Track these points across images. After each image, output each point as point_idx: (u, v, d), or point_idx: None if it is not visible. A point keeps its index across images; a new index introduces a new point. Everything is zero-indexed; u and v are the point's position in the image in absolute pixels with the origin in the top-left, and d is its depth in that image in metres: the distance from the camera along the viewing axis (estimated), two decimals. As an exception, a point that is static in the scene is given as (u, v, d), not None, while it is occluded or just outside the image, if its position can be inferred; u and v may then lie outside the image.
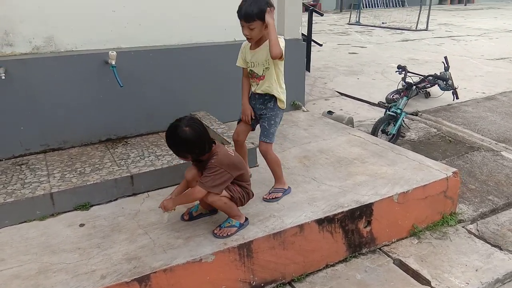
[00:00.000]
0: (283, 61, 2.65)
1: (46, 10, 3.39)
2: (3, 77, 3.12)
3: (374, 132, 4.32)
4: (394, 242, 2.92)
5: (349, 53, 9.87)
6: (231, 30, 4.13)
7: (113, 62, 3.39)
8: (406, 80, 5.12)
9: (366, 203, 2.74)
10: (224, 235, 2.38)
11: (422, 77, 5.43)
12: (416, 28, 13.82)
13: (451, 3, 25.60)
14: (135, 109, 3.76)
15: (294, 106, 4.72)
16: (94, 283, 2.05)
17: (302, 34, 5.65)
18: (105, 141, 3.70)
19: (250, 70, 2.71)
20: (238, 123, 2.89)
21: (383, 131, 4.43)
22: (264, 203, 2.74)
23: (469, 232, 3.04)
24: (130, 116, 3.76)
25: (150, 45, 3.85)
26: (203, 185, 2.25)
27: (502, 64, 8.38)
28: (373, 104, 5.82)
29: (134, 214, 2.66)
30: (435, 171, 3.14)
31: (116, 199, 2.83)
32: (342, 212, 2.65)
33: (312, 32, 6.97)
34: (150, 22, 3.81)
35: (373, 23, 15.92)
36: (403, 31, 13.78)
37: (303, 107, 4.77)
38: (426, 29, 13.61)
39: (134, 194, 2.89)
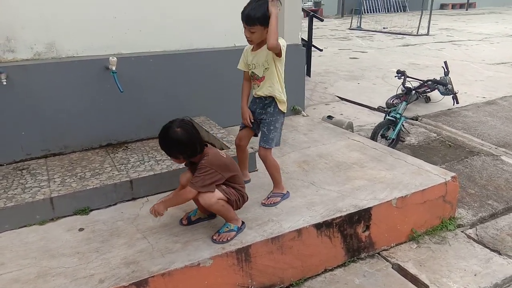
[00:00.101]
0: (283, 62, 2.66)
1: (48, 16, 3.44)
2: (5, 83, 3.15)
3: (373, 137, 4.33)
4: (393, 246, 2.92)
5: (350, 58, 9.90)
6: (231, 35, 4.17)
7: (114, 68, 3.42)
8: (406, 85, 5.13)
9: (364, 208, 2.74)
10: (224, 240, 2.38)
11: (421, 82, 5.44)
12: (417, 33, 13.84)
13: (452, 8, 25.63)
14: (136, 114, 3.79)
15: (294, 111, 4.74)
16: (92, 287, 2.06)
17: (302, 39, 5.69)
18: (105, 146, 3.72)
19: (252, 72, 2.72)
20: (240, 128, 2.91)
21: (383, 136, 4.43)
22: (262, 208, 2.75)
23: (468, 236, 3.04)
24: (130, 121, 3.79)
25: (150, 51, 3.88)
26: (193, 185, 2.27)
27: (503, 69, 8.39)
28: (374, 109, 5.83)
29: (133, 218, 2.68)
30: (434, 175, 3.14)
31: (115, 204, 2.85)
32: (340, 217, 2.66)
33: (313, 37, 7.01)
34: (150, 28, 3.85)
35: (374, 28, 15.96)
36: (404, 36, 13.81)
37: (303, 112, 4.79)
38: (427, 34, 13.63)
39: (134, 199, 2.91)
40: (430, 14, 14.15)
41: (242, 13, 2.51)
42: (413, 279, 2.62)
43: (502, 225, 3.20)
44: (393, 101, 5.54)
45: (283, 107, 2.75)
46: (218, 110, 4.12)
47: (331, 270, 2.69)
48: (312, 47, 7.18)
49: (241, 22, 2.54)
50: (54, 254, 2.33)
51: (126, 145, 3.76)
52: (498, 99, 6.31)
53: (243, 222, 2.51)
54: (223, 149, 3.29)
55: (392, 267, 2.73)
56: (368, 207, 2.75)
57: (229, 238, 2.39)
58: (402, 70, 5.22)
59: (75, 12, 3.52)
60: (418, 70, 8.04)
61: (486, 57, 9.63)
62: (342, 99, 6.33)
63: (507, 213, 3.36)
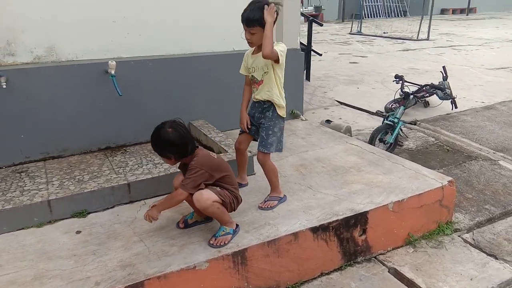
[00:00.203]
0: (282, 67, 2.68)
1: (48, 20, 3.46)
2: (4, 86, 3.18)
3: (371, 141, 4.34)
4: (390, 250, 2.93)
5: (350, 62, 9.93)
6: (230, 39, 4.19)
7: (113, 72, 3.45)
8: (403, 90, 5.15)
9: (361, 212, 2.75)
10: (221, 244, 2.39)
11: (419, 86, 5.46)
12: (417, 37, 13.87)
13: (453, 13, 25.70)
14: (135, 118, 3.81)
15: (293, 115, 4.76)
16: (88, 289, 2.07)
17: (302, 44, 5.72)
18: (104, 149, 3.74)
19: (252, 76, 2.74)
20: (240, 132, 2.92)
21: (381, 140, 4.44)
22: (259, 211, 2.76)
23: (465, 241, 3.04)
24: (129, 124, 3.81)
25: (149, 55, 3.91)
26: (184, 187, 2.29)
27: (502, 74, 8.40)
28: (372, 113, 5.85)
29: (130, 221, 2.69)
30: (431, 180, 3.15)
31: (113, 207, 2.86)
32: (337, 220, 2.67)
33: (313, 42, 7.04)
34: (150, 32, 3.88)
35: (375, 32, 16.00)
36: (404, 40, 13.85)
37: (301, 116, 4.81)
38: (427, 39, 13.66)
39: (131, 202, 2.92)
40: (430, 19, 14.18)
41: (242, 15, 2.54)
42: (409, 283, 2.62)
43: (499, 230, 3.20)
44: (391, 105, 5.55)
45: (281, 112, 2.76)
46: (217, 114, 4.14)
47: (328, 273, 2.70)
48: (312, 52, 7.21)
49: (241, 25, 2.56)
50: (51, 257, 2.34)
51: (124, 148, 3.78)
52: (496, 104, 6.32)
53: (237, 225, 2.52)
54: (221, 153, 3.31)
55: (388, 271, 2.74)
56: (365, 211, 2.76)
57: (226, 242, 2.40)
58: (400, 74, 5.24)
59: (75, 16, 3.55)
60: (418, 75, 8.06)
61: (485, 62, 9.65)
62: (341, 103, 6.34)
63: (504, 218, 3.36)
